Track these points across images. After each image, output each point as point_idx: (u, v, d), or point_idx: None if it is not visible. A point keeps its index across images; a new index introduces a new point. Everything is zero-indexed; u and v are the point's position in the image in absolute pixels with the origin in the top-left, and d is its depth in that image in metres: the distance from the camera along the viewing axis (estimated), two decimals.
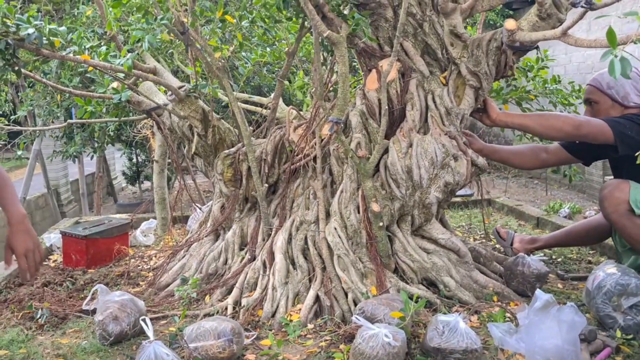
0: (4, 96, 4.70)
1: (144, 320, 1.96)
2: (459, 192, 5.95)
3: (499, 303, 2.55)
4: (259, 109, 3.36)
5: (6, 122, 5.13)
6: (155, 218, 4.27)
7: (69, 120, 3.48)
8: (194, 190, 4.47)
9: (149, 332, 1.90)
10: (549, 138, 2.71)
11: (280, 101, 3.50)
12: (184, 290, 2.59)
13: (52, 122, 5.29)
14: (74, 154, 5.25)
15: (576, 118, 2.49)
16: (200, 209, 3.62)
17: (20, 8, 5.80)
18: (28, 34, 2.26)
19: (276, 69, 3.92)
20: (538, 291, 2.02)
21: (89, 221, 4.12)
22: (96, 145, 5.14)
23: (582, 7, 1.59)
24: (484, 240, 3.75)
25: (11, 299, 2.74)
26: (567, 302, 1.99)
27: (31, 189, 8.83)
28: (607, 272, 2.33)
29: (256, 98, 3.58)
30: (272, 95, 2.96)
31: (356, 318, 2.01)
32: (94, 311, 2.37)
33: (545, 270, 2.67)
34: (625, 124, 2.41)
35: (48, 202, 8.66)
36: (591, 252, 3.42)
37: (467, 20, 2.99)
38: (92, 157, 5.78)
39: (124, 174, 10.35)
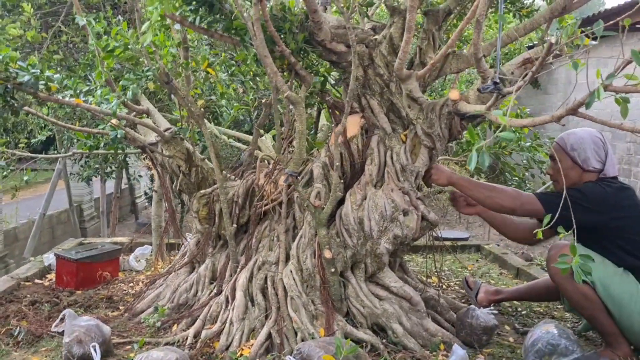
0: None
1: (93, 347, 2.17)
2: (453, 235, 6.06)
3: (444, 352, 2.67)
4: (243, 147, 3.60)
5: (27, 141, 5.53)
6: (151, 244, 4.51)
7: (74, 151, 3.76)
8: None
9: (96, 358, 2.11)
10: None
11: (269, 141, 3.73)
12: (150, 318, 2.80)
13: (70, 146, 5.65)
14: (87, 177, 5.59)
15: (512, 201, 2.57)
16: (187, 239, 3.84)
17: (55, 37, 6.23)
18: (24, 81, 2.55)
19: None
20: (455, 346, 2.16)
21: (91, 243, 4.43)
22: (108, 170, 5.47)
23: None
24: (456, 287, 3.86)
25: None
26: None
27: (59, 204, 9.32)
28: (542, 330, 2.46)
29: (242, 136, 3.82)
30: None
31: (289, 359, 2.18)
32: (62, 333, 2.60)
33: (493, 324, 2.78)
34: (560, 203, 2.50)
35: (70, 217, 9.06)
36: (559, 306, 3.49)
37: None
38: (104, 181, 6.13)
39: (145, 194, 10.74)
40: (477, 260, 4.80)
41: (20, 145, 5.91)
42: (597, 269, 2.50)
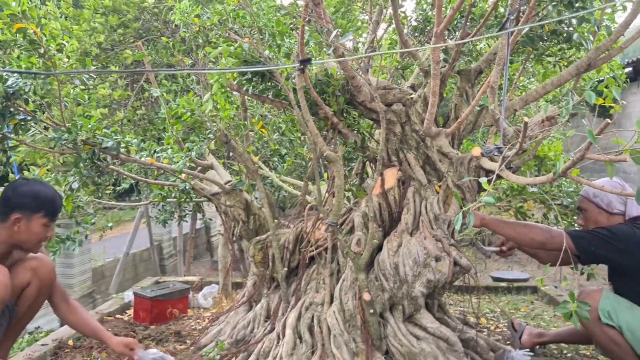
0: None
1: None
2: (512, 276, 6.09)
3: None
4: (298, 193, 3.94)
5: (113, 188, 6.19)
6: (218, 283, 4.91)
7: (150, 200, 4.25)
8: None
9: None
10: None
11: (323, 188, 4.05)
12: (211, 352, 3.14)
13: (150, 192, 6.24)
14: (164, 220, 6.13)
15: (543, 234, 2.71)
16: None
17: (139, 93, 6.92)
18: (107, 146, 3.03)
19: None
20: None
21: (165, 282, 4.89)
22: (181, 214, 5.99)
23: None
24: (504, 329, 3.95)
25: (85, 345, 3.45)
26: None
27: (143, 241, 10.10)
28: None
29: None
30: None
31: None
32: None
33: None
34: (589, 239, 2.64)
35: (151, 255, 9.77)
36: None
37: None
38: (178, 224, 6.67)
39: (220, 233, 11.33)
40: (532, 302, 4.84)
41: (107, 191, 6.59)
42: (624, 313, 2.60)
